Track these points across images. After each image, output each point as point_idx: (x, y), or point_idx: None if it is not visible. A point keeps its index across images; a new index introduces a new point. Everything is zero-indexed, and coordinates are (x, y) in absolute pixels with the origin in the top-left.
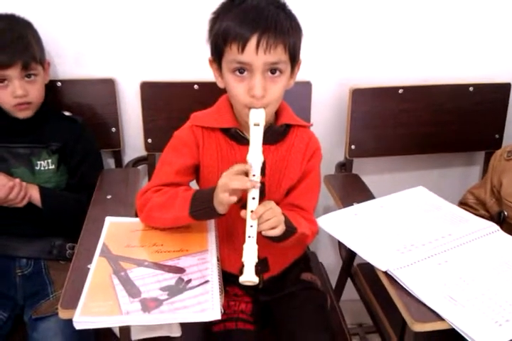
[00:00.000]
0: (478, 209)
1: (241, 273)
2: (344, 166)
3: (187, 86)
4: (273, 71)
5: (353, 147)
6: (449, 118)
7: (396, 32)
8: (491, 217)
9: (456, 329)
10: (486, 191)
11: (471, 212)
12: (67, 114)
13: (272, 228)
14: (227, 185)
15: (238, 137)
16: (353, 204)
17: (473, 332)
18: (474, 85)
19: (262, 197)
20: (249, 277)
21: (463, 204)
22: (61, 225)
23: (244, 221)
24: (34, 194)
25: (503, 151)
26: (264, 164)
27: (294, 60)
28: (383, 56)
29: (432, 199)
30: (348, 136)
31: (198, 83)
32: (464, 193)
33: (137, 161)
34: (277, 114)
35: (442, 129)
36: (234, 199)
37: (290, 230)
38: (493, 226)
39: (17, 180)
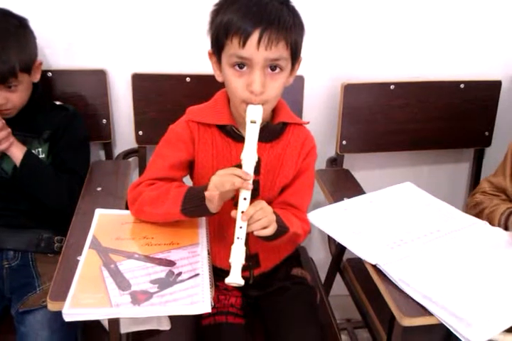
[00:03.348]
0: (499, 194)
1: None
2: (335, 161)
3: (179, 78)
4: (273, 67)
5: (344, 142)
6: (440, 114)
7: (389, 28)
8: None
9: (444, 324)
10: (506, 178)
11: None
12: (58, 103)
13: (264, 228)
14: (219, 184)
15: (234, 134)
16: (343, 199)
17: (462, 328)
18: (465, 82)
19: (256, 195)
20: (234, 279)
21: (482, 193)
22: (31, 194)
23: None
24: (17, 152)
25: None
26: (259, 162)
27: (295, 57)
28: (376, 52)
29: (420, 194)
30: (339, 132)
31: (190, 76)
32: (449, 190)
33: (128, 153)
34: (274, 111)
35: (433, 126)
36: (216, 194)
37: (282, 229)
38: (480, 222)
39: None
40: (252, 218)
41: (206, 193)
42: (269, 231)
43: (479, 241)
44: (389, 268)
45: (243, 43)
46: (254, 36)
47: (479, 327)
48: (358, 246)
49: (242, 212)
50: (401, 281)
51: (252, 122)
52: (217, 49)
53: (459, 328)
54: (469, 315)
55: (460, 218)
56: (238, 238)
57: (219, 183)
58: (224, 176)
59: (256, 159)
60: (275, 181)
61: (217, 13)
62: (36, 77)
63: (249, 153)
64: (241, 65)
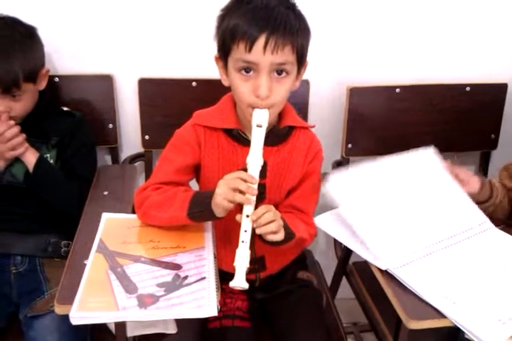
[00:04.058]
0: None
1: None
2: (341, 165)
3: (185, 83)
4: (279, 72)
5: (349, 146)
6: (446, 117)
7: (394, 31)
8: None
9: (460, 327)
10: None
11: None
12: (65, 109)
13: (274, 232)
14: (226, 194)
15: (240, 138)
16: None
17: (478, 330)
18: (471, 85)
19: (263, 199)
20: (239, 283)
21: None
22: (43, 198)
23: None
24: (31, 156)
25: None
26: (265, 165)
27: (301, 61)
28: (381, 55)
29: (436, 170)
30: (344, 135)
31: (196, 80)
32: None
33: (134, 158)
34: (281, 115)
35: (439, 129)
36: (231, 205)
37: (288, 236)
38: (488, 223)
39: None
40: (262, 219)
41: (218, 200)
42: (280, 237)
43: (488, 243)
44: (399, 272)
45: (249, 48)
46: (261, 41)
47: (495, 330)
48: (367, 251)
49: (247, 216)
50: (415, 283)
51: (258, 126)
52: (224, 53)
53: (475, 331)
54: (485, 318)
55: (469, 218)
56: (243, 241)
57: (225, 194)
58: (230, 181)
59: (262, 163)
60: (281, 184)
61: (223, 17)
62: (42, 85)
63: (255, 157)
64: (247, 70)
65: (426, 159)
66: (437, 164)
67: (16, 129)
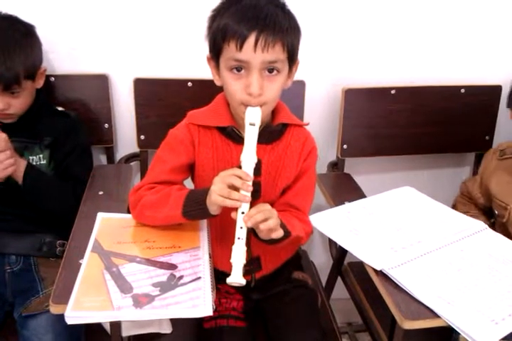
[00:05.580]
0: (470, 201)
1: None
2: (336, 165)
3: (180, 83)
4: (270, 70)
5: (345, 147)
6: (440, 119)
7: (389, 33)
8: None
9: (453, 327)
10: (475, 183)
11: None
12: (60, 109)
13: (273, 230)
14: (221, 191)
15: (234, 136)
16: (344, 203)
17: (471, 330)
18: (466, 87)
19: (258, 197)
20: (236, 279)
21: (461, 195)
22: (41, 208)
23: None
24: (20, 167)
25: (495, 150)
26: (259, 163)
27: (291, 59)
28: (377, 57)
29: (420, 198)
30: (340, 136)
31: (191, 80)
32: (450, 194)
33: (129, 158)
34: (274, 113)
35: (433, 130)
36: (226, 202)
37: (285, 234)
38: (481, 225)
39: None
40: (256, 219)
41: (213, 198)
42: (279, 234)
43: (482, 243)
44: (394, 272)
45: (240, 46)
46: (251, 39)
47: (488, 331)
48: (362, 251)
49: (243, 213)
50: (409, 284)
51: (251, 124)
52: (215, 53)
53: (469, 331)
54: (478, 318)
55: (460, 220)
56: (239, 238)
57: (221, 190)
58: (225, 177)
59: (255, 161)
60: (276, 182)
61: (214, 18)
62: (40, 83)
63: (249, 155)
64: (239, 68)
65: (408, 194)
66: (421, 196)
67: (8, 153)
